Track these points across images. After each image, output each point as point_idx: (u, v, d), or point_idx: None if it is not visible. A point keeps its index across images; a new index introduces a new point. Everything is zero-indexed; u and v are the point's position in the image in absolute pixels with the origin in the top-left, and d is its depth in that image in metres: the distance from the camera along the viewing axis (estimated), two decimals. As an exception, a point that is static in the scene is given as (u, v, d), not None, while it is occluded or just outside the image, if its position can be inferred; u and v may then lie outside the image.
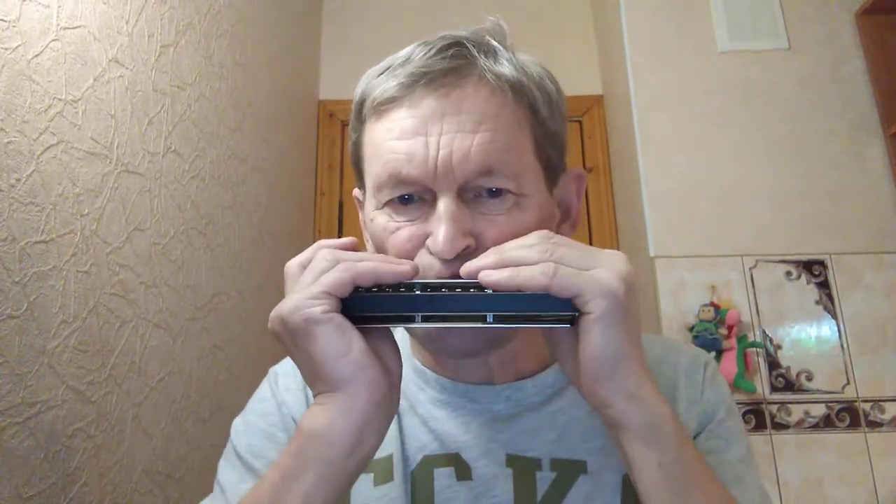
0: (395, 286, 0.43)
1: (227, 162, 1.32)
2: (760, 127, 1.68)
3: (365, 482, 0.54)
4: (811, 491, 1.44)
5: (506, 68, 0.51)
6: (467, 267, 0.43)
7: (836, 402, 1.50)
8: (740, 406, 1.49)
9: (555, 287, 0.40)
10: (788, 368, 1.53)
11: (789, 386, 1.52)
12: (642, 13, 1.80)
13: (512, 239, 0.45)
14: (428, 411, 0.57)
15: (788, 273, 1.59)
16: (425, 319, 0.43)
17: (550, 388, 0.57)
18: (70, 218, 0.79)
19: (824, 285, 1.57)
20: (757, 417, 1.50)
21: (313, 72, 2.22)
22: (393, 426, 0.55)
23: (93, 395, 0.82)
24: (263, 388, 0.62)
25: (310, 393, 0.50)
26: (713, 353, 1.49)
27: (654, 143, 1.70)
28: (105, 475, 0.84)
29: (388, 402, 0.43)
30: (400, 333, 0.60)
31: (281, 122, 1.76)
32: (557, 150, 0.54)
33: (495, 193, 0.49)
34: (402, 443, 0.55)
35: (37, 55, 0.74)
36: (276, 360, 0.64)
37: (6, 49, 0.69)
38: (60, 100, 0.78)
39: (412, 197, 0.49)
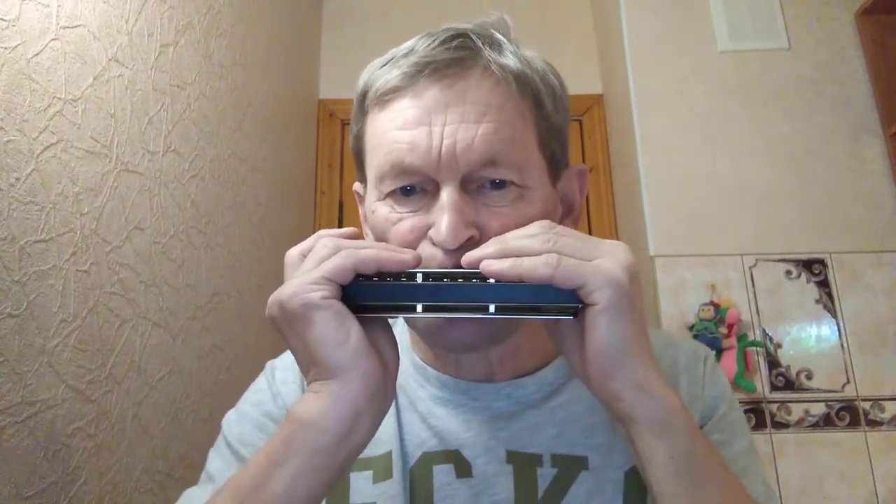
0: (397, 275, 0.43)
1: (227, 161, 1.32)
2: (760, 127, 1.68)
3: (364, 479, 0.53)
4: (811, 490, 1.44)
5: (510, 60, 0.50)
6: (469, 256, 0.43)
7: (836, 401, 1.50)
8: (740, 405, 1.48)
9: (558, 278, 0.39)
10: (788, 367, 1.53)
11: (789, 385, 1.52)
12: (642, 13, 1.80)
13: None
14: (428, 408, 0.56)
15: (788, 272, 1.59)
16: (426, 309, 0.42)
17: (550, 385, 0.56)
18: (70, 217, 0.79)
19: (824, 284, 1.57)
20: (757, 416, 1.50)
21: (313, 71, 2.22)
22: (392, 423, 0.55)
23: (93, 395, 0.82)
24: (259, 381, 0.62)
25: (307, 387, 0.50)
26: (713, 353, 1.48)
27: (654, 143, 1.70)
28: (105, 474, 0.84)
29: (381, 396, 0.42)
30: (399, 328, 0.59)
31: (281, 121, 1.76)
32: (561, 145, 0.54)
33: (499, 185, 0.48)
34: (401, 440, 0.55)
35: (36, 54, 0.74)
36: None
37: (6, 48, 0.69)
38: (60, 99, 0.78)
39: (414, 188, 0.49)
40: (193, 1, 1.17)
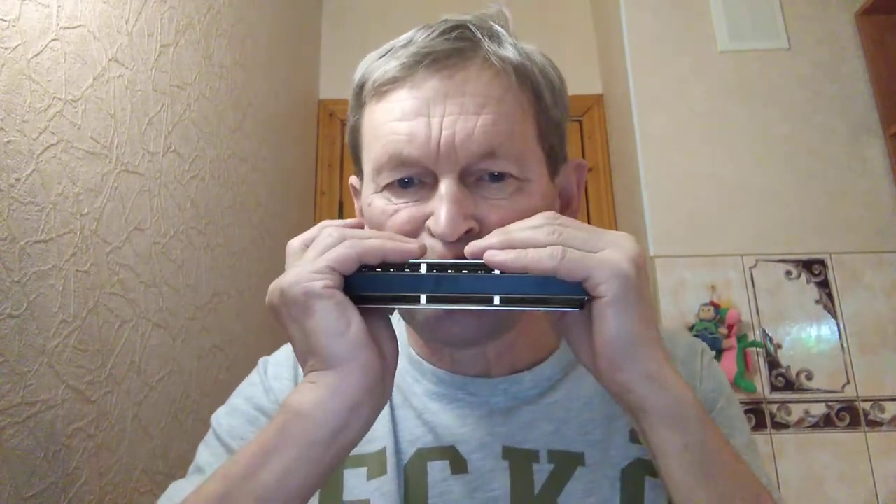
0: (401, 266, 0.42)
1: (227, 162, 1.32)
2: (760, 127, 1.68)
3: (358, 476, 0.53)
4: (811, 490, 1.44)
5: (510, 52, 0.50)
6: (472, 246, 0.42)
7: (836, 401, 1.50)
8: (740, 405, 1.48)
9: (563, 270, 0.39)
10: (788, 368, 1.53)
11: (789, 385, 1.52)
12: (642, 13, 1.80)
13: None
14: (423, 403, 0.56)
15: (788, 272, 1.59)
16: (430, 300, 0.41)
17: (548, 380, 0.56)
18: (70, 217, 0.79)
19: (824, 285, 1.57)
20: (757, 417, 1.50)
21: (313, 71, 2.22)
22: (387, 419, 0.55)
23: (92, 395, 0.82)
24: (251, 376, 0.61)
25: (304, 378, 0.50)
26: (713, 353, 1.49)
27: (654, 143, 1.70)
28: (105, 475, 0.84)
29: (379, 390, 0.41)
30: (396, 323, 0.59)
31: (281, 121, 1.76)
32: (559, 139, 0.53)
33: (498, 177, 0.48)
34: (396, 436, 0.54)
35: (36, 55, 0.74)
36: (276, 360, 0.64)
37: (6, 48, 0.69)
38: (60, 99, 0.78)
39: (412, 180, 0.48)
40: (193, 1, 1.17)
